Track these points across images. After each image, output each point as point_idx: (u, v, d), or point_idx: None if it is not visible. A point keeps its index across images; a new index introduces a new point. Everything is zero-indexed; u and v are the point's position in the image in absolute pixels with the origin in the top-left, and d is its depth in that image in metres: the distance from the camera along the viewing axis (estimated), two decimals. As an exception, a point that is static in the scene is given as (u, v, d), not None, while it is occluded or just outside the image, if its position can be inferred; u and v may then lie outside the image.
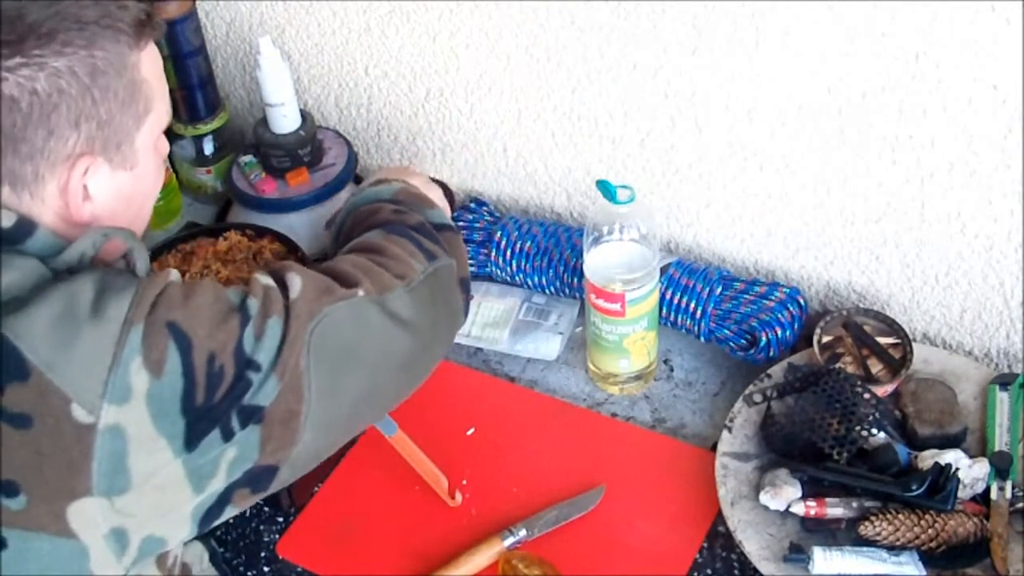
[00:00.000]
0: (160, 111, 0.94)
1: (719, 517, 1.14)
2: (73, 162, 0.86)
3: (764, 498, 1.11)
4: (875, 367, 1.22)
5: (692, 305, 1.30)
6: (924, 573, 1.06)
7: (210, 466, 0.84)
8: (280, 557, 1.18)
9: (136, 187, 0.93)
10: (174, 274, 0.89)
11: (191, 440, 0.83)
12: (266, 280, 0.92)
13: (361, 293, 0.95)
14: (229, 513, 0.89)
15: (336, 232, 1.19)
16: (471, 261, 1.40)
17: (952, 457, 1.11)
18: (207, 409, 0.83)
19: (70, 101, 0.85)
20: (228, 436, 0.84)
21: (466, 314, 1.12)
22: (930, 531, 1.06)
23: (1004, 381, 1.20)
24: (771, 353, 1.27)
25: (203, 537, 1.12)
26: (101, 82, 0.86)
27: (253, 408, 0.85)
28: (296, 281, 0.92)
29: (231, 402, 0.84)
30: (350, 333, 0.93)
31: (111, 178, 0.90)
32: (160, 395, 0.81)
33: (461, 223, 1.44)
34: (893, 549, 1.07)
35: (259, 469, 0.87)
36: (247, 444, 0.85)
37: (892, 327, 1.25)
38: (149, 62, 0.91)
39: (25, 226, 0.85)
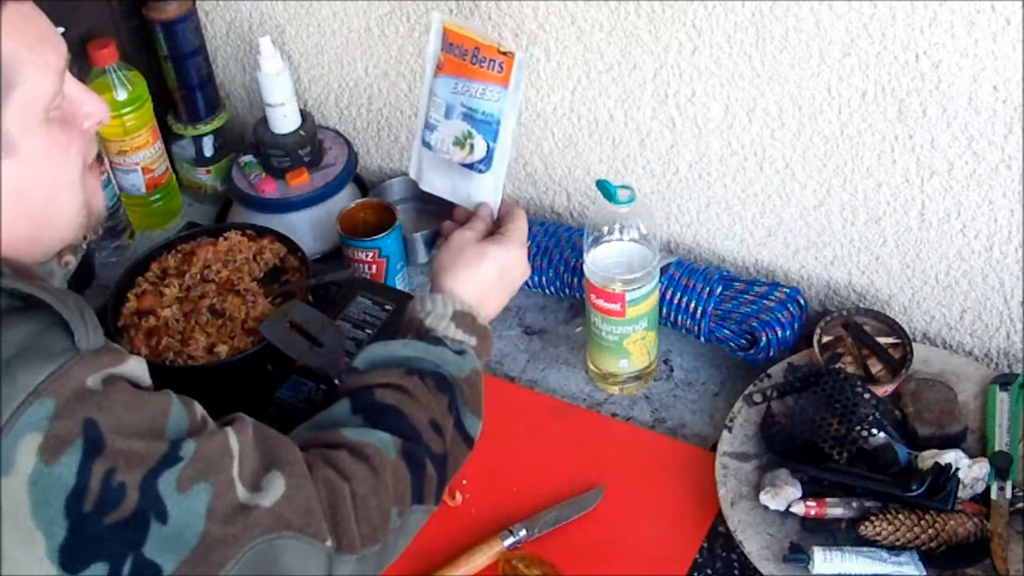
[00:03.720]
0: (36, 82, 0.80)
1: (719, 517, 1.14)
2: None
3: (764, 498, 1.11)
4: (875, 367, 1.22)
5: (692, 305, 1.30)
6: (924, 573, 1.06)
7: None
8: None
9: (26, 174, 0.81)
10: (131, 364, 0.81)
11: (72, 555, 0.76)
12: (234, 444, 0.84)
13: (328, 544, 0.86)
14: None
15: (373, 361, 1.02)
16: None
17: (952, 457, 1.11)
18: (94, 526, 0.76)
19: None
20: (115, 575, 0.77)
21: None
22: (930, 531, 1.06)
23: (1004, 381, 1.20)
24: (771, 353, 1.27)
25: None
26: None
27: (152, 565, 0.78)
28: (280, 485, 0.84)
29: (126, 539, 0.77)
30: (287, 565, 0.84)
31: None
32: (45, 482, 0.75)
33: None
34: (893, 549, 1.07)
35: None
36: None
37: (892, 327, 1.25)
38: (7, 29, 0.79)
39: None
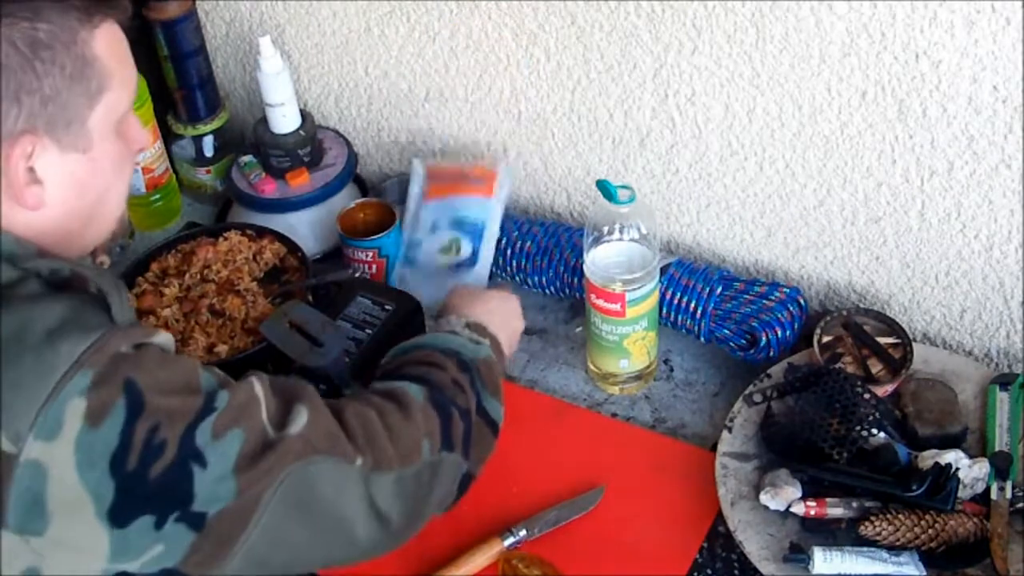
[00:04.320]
0: (119, 94, 0.89)
1: (719, 517, 1.14)
2: (15, 140, 0.82)
3: (764, 498, 1.11)
4: (875, 367, 1.22)
5: (692, 305, 1.30)
6: (924, 573, 1.06)
7: (133, 550, 0.80)
8: (280, 557, 1.18)
9: (91, 173, 0.89)
10: (161, 337, 0.85)
11: (121, 512, 0.78)
12: (259, 390, 0.87)
13: (359, 462, 0.90)
14: None
15: (397, 354, 1.10)
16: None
17: (952, 457, 1.11)
18: (140, 483, 0.79)
19: (9, 73, 0.80)
20: (160, 526, 0.80)
21: (450, 508, 1.04)
22: (930, 531, 1.06)
23: (1004, 381, 1.20)
24: (771, 353, 1.27)
25: None
26: (44, 55, 0.82)
27: (196, 513, 0.81)
28: (303, 415, 0.88)
29: (172, 493, 0.80)
30: (324, 491, 0.88)
31: (61, 160, 0.86)
32: (90, 445, 0.77)
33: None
34: (893, 549, 1.07)
35: (177, 574, 0.82)
36: (174, 543, 0.81)
37: (892, 327, 1.25)
38: (106, 41, 0.87)
39: None
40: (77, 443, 0.77)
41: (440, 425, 0.98)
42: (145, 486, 0.79)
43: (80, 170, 0.88)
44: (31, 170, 0.84)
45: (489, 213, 1.37)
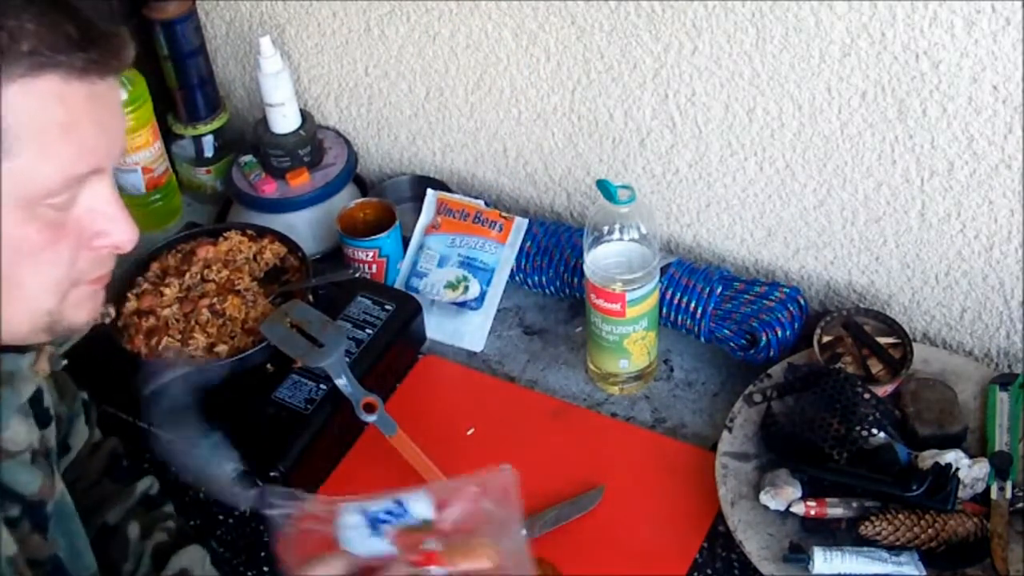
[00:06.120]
0: (34, 166, 0.71)
1: (719, 517, 1.14)
2: None
3: (764, 498, 1.11)
4: (875, 367, 1.22)
5: (692, 305, 1.30)
6: (924, 573, 1.06)
7: None
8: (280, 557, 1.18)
9: None
10: None
11: None
12: None
13: None
14: None
15: None
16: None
17: (952, 457, 1.11)
18: None
19: None
20: None
21: None
22: (930, 531, 1.06)
23: (1004, 381, 1.20)
24: (771, 353, 1.27)
25: (203, 540, 1.11)
26: None
27: None
28: None
29: None
30: None
31: None
32: None
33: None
34: (893, 549, 1.07)
35: None
36: None
37: (892, 327, 1.25)
38: (29, 99, 0.70)
39: None
40: None
41: None
42: None
43: None
44: None
45: (501, 260, 1.39)
